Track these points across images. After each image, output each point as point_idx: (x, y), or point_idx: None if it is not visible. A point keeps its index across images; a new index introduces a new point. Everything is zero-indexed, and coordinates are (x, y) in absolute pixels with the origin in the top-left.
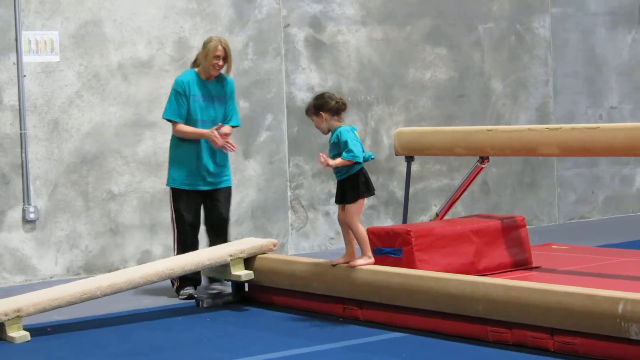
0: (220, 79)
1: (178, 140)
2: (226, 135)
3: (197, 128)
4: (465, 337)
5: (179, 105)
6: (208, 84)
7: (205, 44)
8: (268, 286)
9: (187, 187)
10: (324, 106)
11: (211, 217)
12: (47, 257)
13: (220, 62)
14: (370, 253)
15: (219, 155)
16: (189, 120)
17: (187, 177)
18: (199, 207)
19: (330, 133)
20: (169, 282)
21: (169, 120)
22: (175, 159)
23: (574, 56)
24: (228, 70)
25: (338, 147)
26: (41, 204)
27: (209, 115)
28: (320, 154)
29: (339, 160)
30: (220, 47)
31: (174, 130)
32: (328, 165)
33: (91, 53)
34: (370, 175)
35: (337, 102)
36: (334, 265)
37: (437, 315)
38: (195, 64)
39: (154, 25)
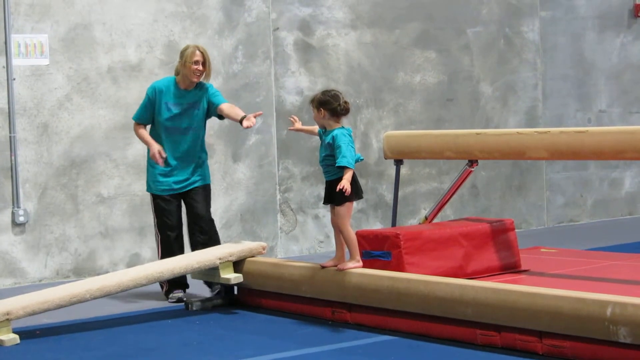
0: (198, 86)
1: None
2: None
3: (148, 137)
4: (454, 340)
5: (145, 110)
6: (185, 92)
7: (182, 52)
8: (257, 289)
9: (160, 192)
10: (327, 104)
11: (189, 216)
12: (37, 260)
13: (200, 67)
14: (358, 257)
15: (187, 155)
16: (159, 126)
17: (158, 181)
18: (176, 210)
19: (324, 130)
20: (158, 285)
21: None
22: (148, 164)
23: (563, 60)
24: (207, 77)
25: (332, 148)
26: (31, 207)
27: (180, 122)
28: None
29: (348, 176)
30: (198, 52)
31: (134, 130)
32: (347, 190)
33: (81, 56)
34: (359, 178)
35: (340, 105)
36: (323, 267)
37: (426, 318)
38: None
39: (143, 29)
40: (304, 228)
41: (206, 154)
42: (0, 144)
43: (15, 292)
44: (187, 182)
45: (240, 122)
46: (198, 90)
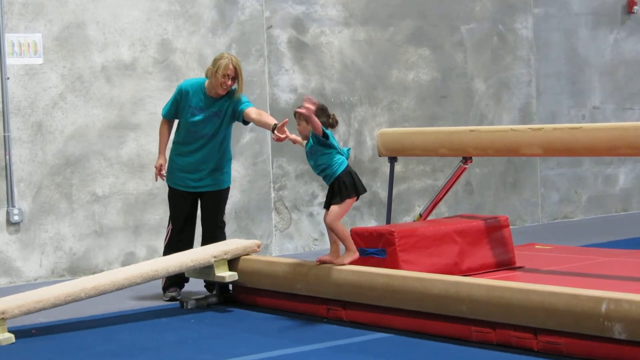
0: (228, 93)
1: (174, 141)
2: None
3: (163, 144)
4: (449, 337)
5: (172, 106)
6: (212, 101)
7: (216, 61)
8: (252, 287)
9: (176, 186)
10: (319, 118)
11: (203, 219)
12: (32, 259)
13: (229, 82)
14: (354, 247)
15: (204, 159)
16: (182, 125)
17: (176, 175)
18: (189, 206)
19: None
20: (153, 283)
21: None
22: (170, 156)
23: (557, 56)
24: (239, 90)
25: (317, 148)
26: (25, 206)
27: (202, 129)
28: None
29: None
30: (231, 67)
31: (160, 125)
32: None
33: (74, 55)
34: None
35: (329, 118)
36: (320, 263)
37: (421, 315)
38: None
39: (137, 27)
40: (298, 226)
41: (230, 158)
42: None
43: (10, 292)
44: (203, 184)
45: (273, 131)
46: (226, 98)
